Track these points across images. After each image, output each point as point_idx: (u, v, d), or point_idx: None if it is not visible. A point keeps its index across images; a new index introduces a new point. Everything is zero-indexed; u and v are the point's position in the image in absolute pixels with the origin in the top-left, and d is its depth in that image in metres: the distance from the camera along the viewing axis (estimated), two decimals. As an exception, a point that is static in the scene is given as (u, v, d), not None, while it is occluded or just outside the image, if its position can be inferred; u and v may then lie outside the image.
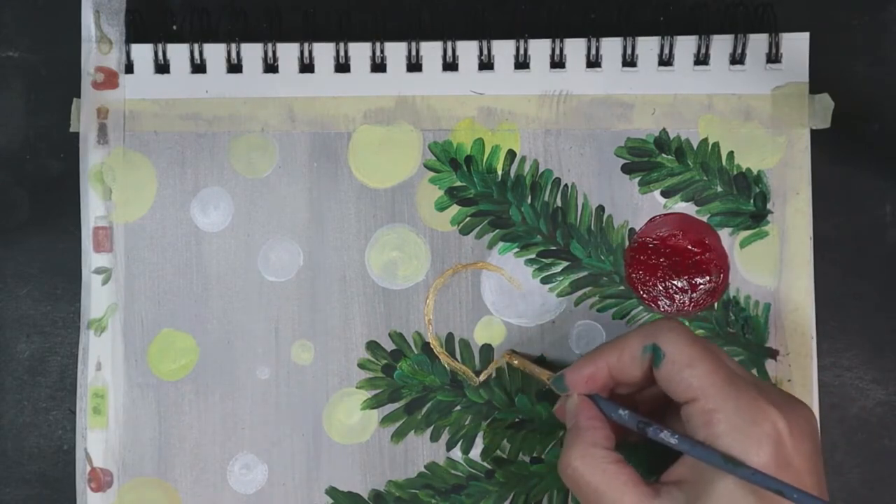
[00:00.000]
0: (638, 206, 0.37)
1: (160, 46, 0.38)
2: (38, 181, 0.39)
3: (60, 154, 0.39)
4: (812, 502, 0.28)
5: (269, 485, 0.37)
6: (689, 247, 0.37)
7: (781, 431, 0.29)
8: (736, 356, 0.37)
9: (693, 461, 0.30)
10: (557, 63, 0.37)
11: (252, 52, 0.38)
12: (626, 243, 0.37)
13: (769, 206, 0.37)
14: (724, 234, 0.37)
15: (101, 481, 0.37)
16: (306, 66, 0.38)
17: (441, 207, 0.38)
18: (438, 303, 0.38)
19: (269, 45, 0.37)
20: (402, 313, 0.38)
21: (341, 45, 0.37)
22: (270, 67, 0.38)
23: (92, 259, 0.38)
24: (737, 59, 0.37)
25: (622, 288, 0.37)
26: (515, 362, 0.37)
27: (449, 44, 0.37)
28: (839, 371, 0.38)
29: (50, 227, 0.39)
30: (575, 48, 0.37)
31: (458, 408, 0.37)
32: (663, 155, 0.37)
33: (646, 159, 0.37)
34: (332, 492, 0.37)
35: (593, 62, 0.37)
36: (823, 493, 0.30)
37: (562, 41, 0.37)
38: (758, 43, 0.37)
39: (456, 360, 0.37)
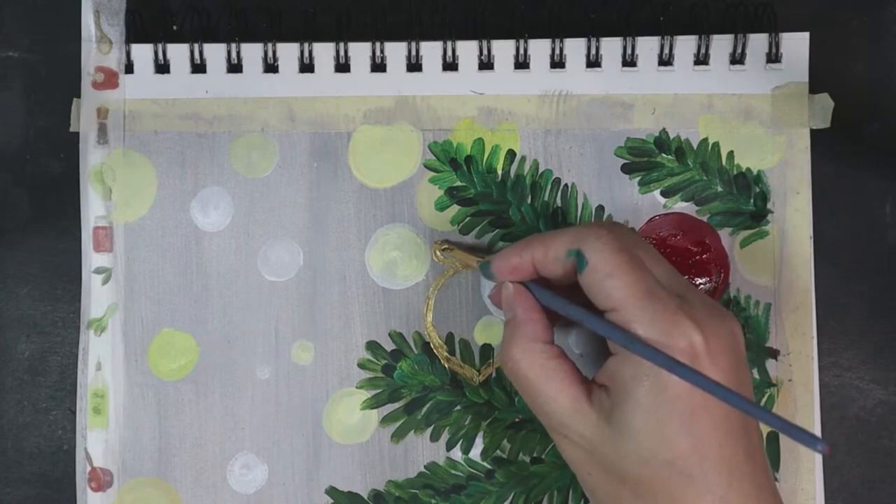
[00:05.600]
0: (638, 206, 0.37)
1: (160, 46, 0.38)
2: (38, 181, 0.39)
3: (60, 154, 0.39)
4: (697, 379, 0.27)
5: (269, 485, 0.37)
6: (689, 247, 0.37)
7: (697, 347, 0.28)
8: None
9: (614, 368, 0.30)
10: (557, 63, 0.38)
11: (252, 52, 0.38)
12: (626, 243, 0.37)
13: (769, 205, 0.37)
14: (724, 234, 0.37)
15: (101, 481, 0.37)
16: (306, 66, 0.38)
17: (441, 207, 0.38)
18: (438, 303, 0.38)
19: (269, 45, 0.38)
20: (402, 313, 0.38)
21: (341, 45, 0.37)
22: (270, 67, 0.38)
23: (92, 259, 0.38)
24: (737, 59, 0.37)
25: (622, 288, 0.37)
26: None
27: (449, 44, 0.37)
28: (839, 371, 0.38)
29: (50, 227, 0.39)
30: (575, 48, 0.37)
31: (458, 408, 0.37)
32: (663, 155, 0.38)
33: (646, 159, 0.37)
34: (331, 492, 0.37)
35: (593, 62, 0.37)
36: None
37: (562, 41, 0.37)
38: (758, 43, 0.37)
39: (456, 359, 0.37)
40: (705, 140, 0.37)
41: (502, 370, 0.37)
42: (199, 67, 0.38)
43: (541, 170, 0.38)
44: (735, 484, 0.28)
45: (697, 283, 0.37)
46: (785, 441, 0.37)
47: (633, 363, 0.29)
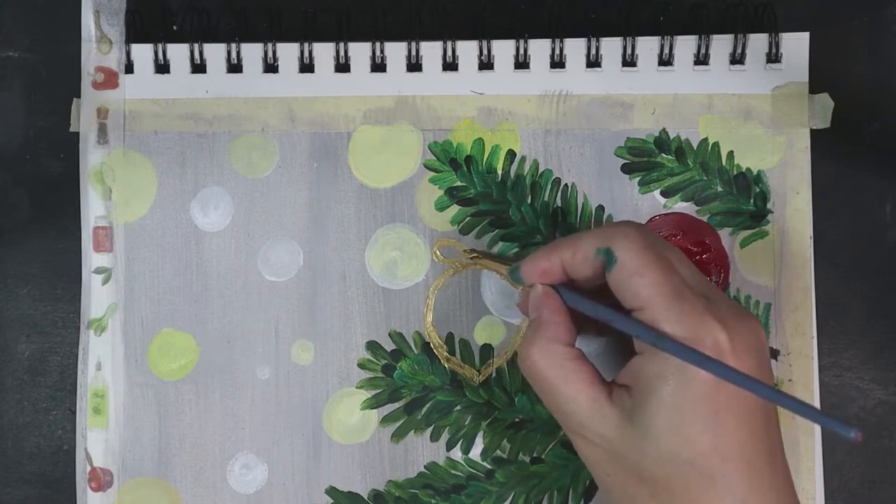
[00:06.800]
0: (638, 206, 0.37)
1: (160, 46, 0.38)
2: (38, 181, 0.39)
3: (60, 154, 0.39)
4: (729, 373, 0.27)
5: (269, 485, 0.37)
6: (689, 247, 0.37)
7: (723, 346, 0.28)
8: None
9: (638, 366, 0.30)
10: (557, 63, 0.38)
11: (252, 52, 0.38)
12: (626, 243, 0.37)
13: (769, 205, 0.37)
14: (724, 234, 0.37)
15: (101, 481, 0.37)
16: (306, 66, 0.38)
17: (441, 207, 0.38)
18: (438, 303, 0.38)
19: (269, 45, 0.38)
20: (402, 313, 0.38)
21: (341, 45, 0.37)
22: (270, 67, 0.38)
23: (92, 259, 0.38)
24: (737, 59, 0.37)
25: (622, 288, 0.37)
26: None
27: (449, 44, 0.37)
28: (839, 371, 0.38)
29: (50, 227, 0.39)
30: (575, 48, 0.37)
31: (458, 408, 0.37)
32: (663, 155, 0.38)
33: (646, 159, 0.37)
34: (331, 492, 0.37)
35: (593, 62, 0.37)
36: (766, 406, 0.29)
37: (562, 41, 0.37)
38: (758, 43, 0.37)
39: (456, 359, 0.37)
40: (705, 140, 0.37)
41: (502, 370, 0.37)
42: (199, 67, 0.38)
43: (541, 170, 0.38)
44: (756, 486, 0.28)
45: (697, 283, 0.37)
46: (785, 441, 0.37)
47: (659, 362, 0.29)
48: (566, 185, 0.38)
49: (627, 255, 0.30)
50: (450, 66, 0.38)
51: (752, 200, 0.37)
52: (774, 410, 0.30)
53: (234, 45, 0.38)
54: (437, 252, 0.37)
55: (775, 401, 0.27)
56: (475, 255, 0.37)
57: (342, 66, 0.38)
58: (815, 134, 0.37)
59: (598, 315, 0.31)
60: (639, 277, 0.29)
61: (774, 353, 0.37)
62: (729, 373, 0.28)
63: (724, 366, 0.28)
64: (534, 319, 0.32)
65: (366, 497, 0.37)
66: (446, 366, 0.37)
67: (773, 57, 0.37)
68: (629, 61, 0.37)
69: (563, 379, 0.31)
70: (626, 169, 0.38)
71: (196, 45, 0.37)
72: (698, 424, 0.28)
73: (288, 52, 0.38)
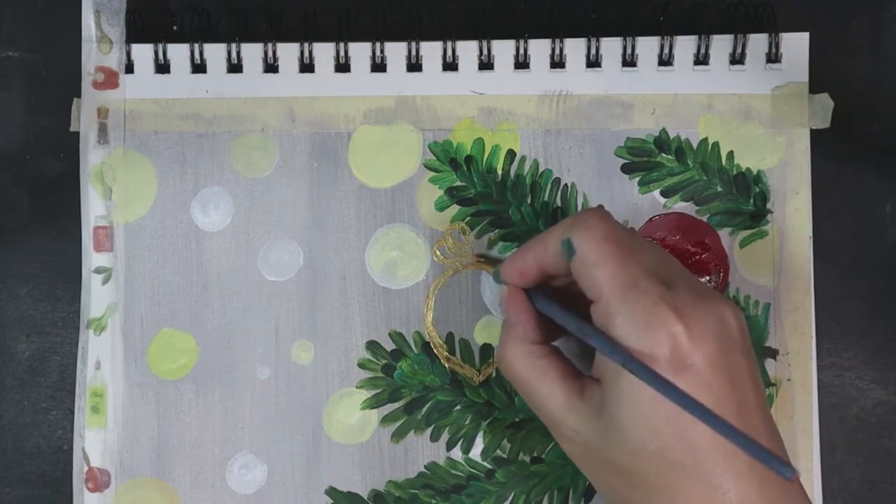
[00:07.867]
0: (638, 206, 0.37)
1: (160, 46, 0.38)
2: (38, 181, 0.39)
3: (60, 154, 0.39)
4: (684, 400, 0.27)
5: (269, 485, 0.37)
6: (689, 247, 0.37)
7: (678, 336, 0.28)
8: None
9: (600, 360, 0.30)
10: (557, 63, 0.38)
11: (252, 52, 0.38)
12: (626, 243, 0.37)
13: (769, 205, 0.37)
14: (723, 234, 0.37)
15: (98, 481, 0.37)
16: (306, 66, 0.38)
17: (441, 207, 0.38)
18: (438, 303, 0.38)
19: (269, 45, 0.38)
20: (402, 313, 0.38)
21: (341, 45, 0.38)
22: (270, 67, 0.38)
23: (92, 259, 0.38)
24: (737, 59, 0.37)
25: (622, 288, 0.37)
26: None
27: (449, 44, 0.37)
28: (839, 371, 0.38)
29: (50, 227, 0.39)
30: (575, 48, 0.37)
31: (458, 408, 0.37)
32: (663, 155, 0.38)
33: (645, 159, 0.38)
34: (331, 492, 0.37)
35: (593, 62, 0.37)
36: (738, 391, 0.28)
37: (562, 41, 0.37)
38: (758, 43, 0.37)
39: (456, 359, 0.37)
40: (705, 140, 0.37)
41: (502, 370, 0.37)
42: (199, 67, 0.38)
43: (541, 170, 0.38)
44: (733, 469, 0.28)
45: (697, 283, 0.37)
46: (784, 441, 0.37)
47: None
48: (566, 185, 0.38)
49: (586, 245, 0.30)
50: (450, 66, 0.38)
51: (751, 200, 0.37)
52: (753, 390, 0.29)
53: (234, 45, 0.38)
54: (437, 252, 0.37)
55: (720, 431, 0.26)
56: (480, 259, 0.37)
57: (342, 66, 0.38)
58: (815, 134, 0.37)
59: (564, 323, 0.31)
60: (595, 269, 0.29)
61: (773, 353, 0.37)
62: (685, 400, 0.27)
63: (682, 393, 0.27)
64: (504, 321, 0.33)
65: (366, 497, 0.37)
66: (446, 366, 0.37)
67: (773, 57, 0.37)
68: (629, 61, 0.37)
69: (536, 377, 0.31)
70: (626, 169, 0.38)
71: (196, 45, 0.38)
72: (661, 415, 0.28)
73: (288, 52, 0.38)
